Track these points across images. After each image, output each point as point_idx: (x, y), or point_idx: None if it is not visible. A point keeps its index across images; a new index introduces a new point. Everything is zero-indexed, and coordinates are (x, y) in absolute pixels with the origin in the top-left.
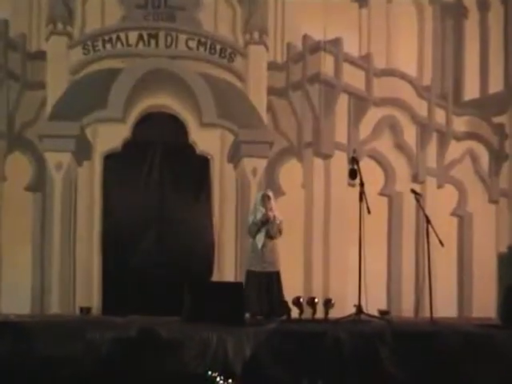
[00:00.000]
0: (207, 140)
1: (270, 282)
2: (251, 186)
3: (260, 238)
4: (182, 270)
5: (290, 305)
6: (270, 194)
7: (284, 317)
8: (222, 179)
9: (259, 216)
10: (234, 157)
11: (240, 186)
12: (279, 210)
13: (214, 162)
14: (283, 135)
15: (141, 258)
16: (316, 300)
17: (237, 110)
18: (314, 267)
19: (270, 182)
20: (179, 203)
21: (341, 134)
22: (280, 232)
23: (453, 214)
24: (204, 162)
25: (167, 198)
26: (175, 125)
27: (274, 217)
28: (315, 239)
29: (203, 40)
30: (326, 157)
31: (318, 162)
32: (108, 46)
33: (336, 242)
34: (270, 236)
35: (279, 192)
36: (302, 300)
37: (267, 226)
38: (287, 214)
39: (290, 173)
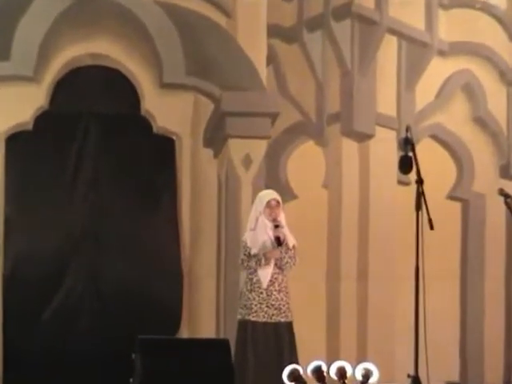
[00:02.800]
0: (171, 110)
1: (280, 339)
2: (242, 184)
3: (266, 270)
4: (131, 321)
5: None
6: (279, 197)
7: None
8: (196, 174)
9: (264, 236)
10: (215, 138)
11: (224, 185)
12: (287, 222)
13: (182, 146)
14: (294, 102)
15: (62, 308)
16: (347, 367)
17: (219, 62)
18: (344, 316)
19: (273, 178)
20: (125, 213)
21: (386, 101)
22: (295, 261)
23: None
24: (165, 146)
25: (106, 204)
26: (119, 86)
27: (285, 237)
28: (345, 271)
29: None
30: (363, 137)
31: (350, 147)
32: None
33: (378, 274)
34: (280, 267)
35: (288, 194)
36: (324, 368)
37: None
38: (301, 230)
39: (305, 164)
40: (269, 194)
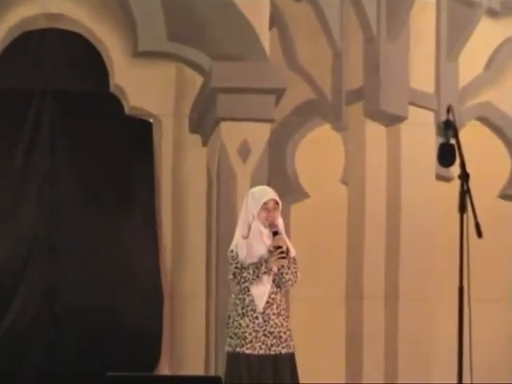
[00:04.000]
0: (147, 86)
1: (279, 375)
2: (238, 180)
3: (261, 288)
4: (97, 354)
5: None
6: (276, 197)
7: None
8: (179, 166)
9: (260, 248)
10: (204, 120)
11: (215, 181)
12: (296, 228)
13: (162, 131)
14: (304, 76)
15: (9, 338)
16: None
17: (209, 24)
18: (368, 344)
19: (278, 172)
20: (90, 216)
21: (422, 75)
22: (297, 277)
23: None
24: (141, 131)
25: (65, 204)
26: (82, 55)
27: (288, 247)
28: (369, 287)
29: None
30: (392, 120)
31: (376, 132)
32: None
33: (410, 292)
34: (278, 285)
35: (297, 193)
36: None
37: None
38: (313, 238)
39: (319, 154)
40: (266, 193)
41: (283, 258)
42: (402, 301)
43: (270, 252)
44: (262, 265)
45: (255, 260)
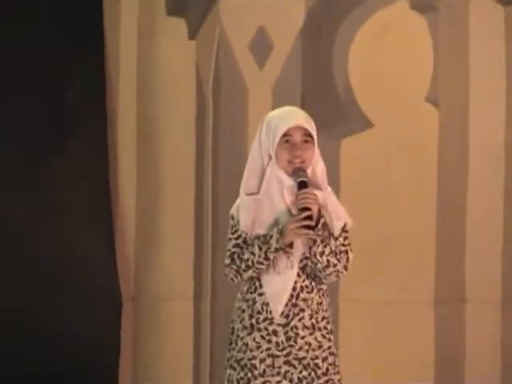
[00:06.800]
0: None
1: None
2: (250, 97)
3: (277, 281)
4: None
5: None
6: (308, 123)
7: None
8: (149, 72)
9: (277, 206)
10: (202, 17)
11: (211, 99)
12: (349, 179)
13: (121, 10)
14: None
15: None
16: None
17: None
18: (471, 364)
19: (319, 83)
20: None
21: None
22: (346, 261)
23: None
24: (82, 11)
25: None
26: None
27: (320, 211)
28: (474, 289)
29: None
30: None
31: (488, 13)
32: None
33: None
34: (312, 275)
35: (352, 119)
36: None
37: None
38: (379, 198)
39: (388, 52)
40: (288, 118)
41: (309, 227)
42: None
43: (291, 216)
44: (271, 237)
45: (264, 230)
